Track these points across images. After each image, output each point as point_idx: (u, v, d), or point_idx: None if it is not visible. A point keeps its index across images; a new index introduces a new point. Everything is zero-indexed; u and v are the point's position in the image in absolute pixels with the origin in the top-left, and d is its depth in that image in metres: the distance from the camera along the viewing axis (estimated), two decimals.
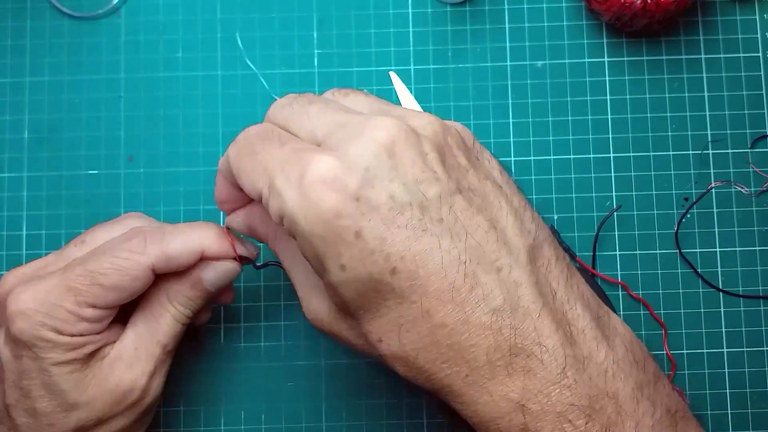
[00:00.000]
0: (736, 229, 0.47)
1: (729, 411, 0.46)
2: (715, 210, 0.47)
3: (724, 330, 0.47)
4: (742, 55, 0.49)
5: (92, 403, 0.38)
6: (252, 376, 0.46)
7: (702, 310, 0.47)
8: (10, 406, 0.38)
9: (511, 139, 0.48)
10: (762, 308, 0.47)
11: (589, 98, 0.48)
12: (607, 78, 0.48)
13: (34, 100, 0.49)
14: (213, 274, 0.39)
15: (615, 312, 0.38)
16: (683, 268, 0.47)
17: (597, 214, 0.47)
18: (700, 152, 0.48)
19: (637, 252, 0.47)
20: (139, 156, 0.48)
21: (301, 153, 0.33)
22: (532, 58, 0.49)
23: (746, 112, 0.48)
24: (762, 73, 0.48)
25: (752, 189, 0.48)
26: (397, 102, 0.48)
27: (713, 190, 0.48)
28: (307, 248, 0.33)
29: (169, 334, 0.39)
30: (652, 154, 0.48)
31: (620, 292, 0.47)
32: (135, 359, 0.39)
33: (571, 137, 0.48)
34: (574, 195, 0.48)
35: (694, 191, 0.48)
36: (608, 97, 0.48)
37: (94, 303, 0.37)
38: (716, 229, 0.47)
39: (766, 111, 0.48)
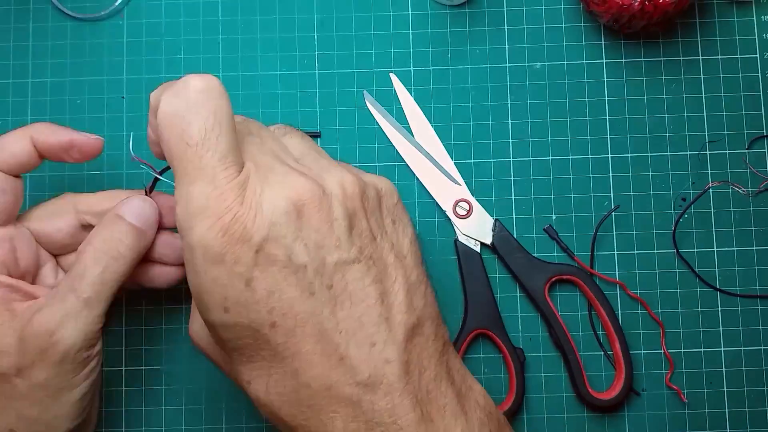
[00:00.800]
0: (733, 229, 0.48)
1: (726, 410, 0.46)
2: (712, 210, 0.48)
3: (721, 329, 0.47)
4: (739, 56, 0.49)
5: (7, 349, 0.37)
6: None
7: (699, 310, 0.47)
8: None
9: (510, 140, 0.48)
10: (759, 307, 0.47)
11: (587, 99, 0.49)
12: (605, 79, 0.49)
13: (37, 101, 0.49)
14: (129, 202, 0.40)
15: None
16: (681, 267, 0.47)
17: (595, 214, 0.48)
18: (697, 153, 0.48)
19: (635, 252, 0.47)
20: (141, 157, 0.48)
21: (227, 183, 0.32)
22: (530, 59, 0.49)
23: (743, 113, 0.48)
24: (759, 74, 0.49)
25: (749, 189, 0.48)
26: (398, 103, 0.49)
27: (711, 191, 0.48)
28: (193, 281, 0.33)
29: (88, 281, 0.38)
30: (650, 154, 0.48)
31: (618, 292, 0.47)
32: (46, 305, 0.38)
33: (569, 138, 0.48)
34: (572, 195, 0.48)
35: (691, 191, 0.48)
36: (606, 98, 0.49)
37: None
38: (714, 229, 0.48)
39: (763, 112, 0.48)
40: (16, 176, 0.41)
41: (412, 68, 0.49)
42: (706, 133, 0.48)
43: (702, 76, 0.49)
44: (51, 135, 0.40)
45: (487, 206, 0.47)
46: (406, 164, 0.48)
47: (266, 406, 0.34)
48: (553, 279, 0.46)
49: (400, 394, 0.33)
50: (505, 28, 0.49)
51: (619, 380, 0.46)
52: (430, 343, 0.35)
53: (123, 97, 0.49)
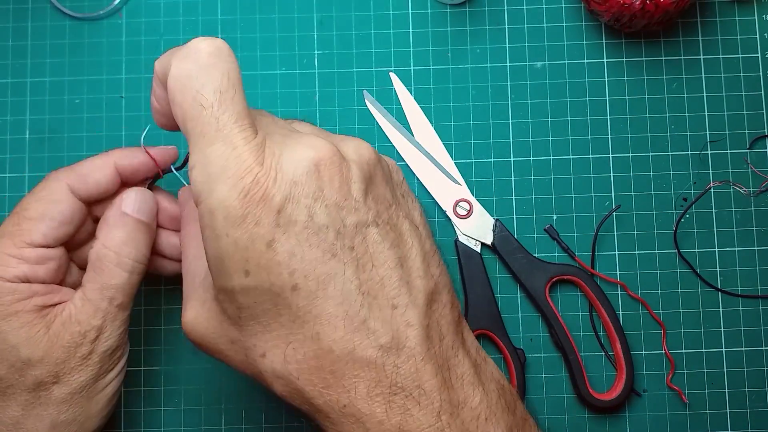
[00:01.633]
0: (734, 229, 0.47)
1: (728, 410, 0.46)
2: (713, 210, 0.48)
3: (722, 330, 0.47)
4: (740, 55, 0.49)
5: (46, 358, 0.37)
6: None
7: (701, 310, 0.47)
8: None
9: (511, 140, 0.48)
10: (761, 308, 0.47)
11: (588, 99, 0.48)
12: (606, 78, 0.49)
13: (36, 101, 0.49)
14: (131, 196, 0.40)
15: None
16: (682, 267, 0.47)
17: (596, 214, 0.48)
18: (698, 152, 0.48)
19: (636, 252, 0.47)
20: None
21: (246, 144, 0.32)
22: (531, 58, 0.49)
23: (745, 112, 0.48)
24: (761, 73, 0.49)
25: (751, 189, 0.48)
26: (398, 102, 0.48)
27: (712, 190, 0.48)
28: (213, 245, 0.32)
29: (115, 285, 0.39)
30: (651, 154, 0.48)
31: (619, 292, 0.47)
32: (82, 313, 0.38)
33: (570, 137, 0.48)
34: (573, 195, 0.48)
35: (692, 191, 0.48)
36: (607, 98, 0.48)
37: (30, 240, 0.38)
38: (715, 229, 0.47)
39: (764, 111, 0.48)
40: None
41: (412, 67, 0.49)
42: (708, 132, 0.48)
43: (703, 75, 0.49)
44: (133, 158, 0.41)
45: (487, 206, 0.47)
46: (406, 164, 0.48)
47: (283, 377, 0.33)
48: (554, 279, 0.46)
49: (423, 358, 0.33)
50: (506, 27, 0.49)
51: (620, 381, 0.45)
52: (447, 311, 0.35)
53: (122, 97, 0.49)
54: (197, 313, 0.36)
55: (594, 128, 0.48)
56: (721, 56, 0.49)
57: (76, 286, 0.40)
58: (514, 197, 0.48)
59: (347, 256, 0.33)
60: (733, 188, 0.48)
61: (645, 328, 0.47)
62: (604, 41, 0.49)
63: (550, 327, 0.46)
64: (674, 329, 0.47)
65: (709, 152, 0.48)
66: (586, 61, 0.49)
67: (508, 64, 0.49)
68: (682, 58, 0.49)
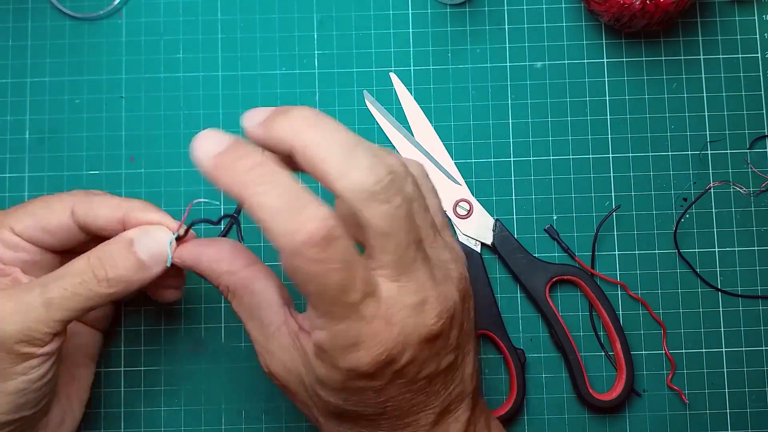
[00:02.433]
0: (734, 229, 0.47)
1: (728, 410, 0.46)
2: (713, 210, 0.48)
3: (722, 329, 0.47)
4: (740, 55, 0.49)
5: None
6: (252, 376, 0.47)
7: (701, 310, 0.47)
8: None
9: (511, 140, 0.48)
10: (760, 308, 0.47)
11: (588, 99, 0.48)
12: (606, 78, 0.49)
13: (36, 101, 0.49)
14: (144, 236, 0.38)
15: None
16: (682, 267, 0.47)
17: (596, 214, 0.48)
18: (698, 152, 0.48)
19: (636, 252, 0.47)
20: (140, 156, 0.48)
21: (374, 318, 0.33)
22: (531, 58, 0.49)
23: (745, 112, 0.48)
24: (761, 73, 0.49)
25: (751, 189, 0.48)
26: (398, 102, 0.48)
27: (712, 190, 0.48)
28: (336, 395, 0.35)
29: (60, 284, 0.36)
30: (651, 154, 0.48)
31: (619, 292, 0.47)
32: (8, 290, 0.37)
33: (570, 137, 0.48)
34: (573, 195, 0.48)
35: (692, 191, 0.48)
36: (607, 98, 0.48)
37: (10, 225, 0.39)
38: (715, 229, 0.47)
39: (764, 111, 0.48)
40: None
41: (412, 67, 0.49)
42: (707, 132, 0.48)
43: (703, 75, 0.49)
44: (146, 215, 0.39)
45: (487, 206, 0.47)
46: None
47: None
48: (554, 279, 0.46)
49: (472, 386, 0.38)
50: (506, 27, 0.49)
51: (620, 381, 0.45)
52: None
53: (122, 97, 0.49)
54: (280, 357, 0.36)
55: (594, 128, 0.48)
56: (721, 56, 0.49)
57: None
58: (514, 197, 0.48)
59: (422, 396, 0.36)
60: (733, 188, 0.48)
61: (645, 328, 0.47)
62: (604, 41, 0.49)
63: (550, 327, 0.46)
64: (674, 329, 0.47)
65: (709, 152, 0.48)
66: (586, 61, 0.49)
67: (508, 64, 0.49)
68: (682, 58, 0.49)
